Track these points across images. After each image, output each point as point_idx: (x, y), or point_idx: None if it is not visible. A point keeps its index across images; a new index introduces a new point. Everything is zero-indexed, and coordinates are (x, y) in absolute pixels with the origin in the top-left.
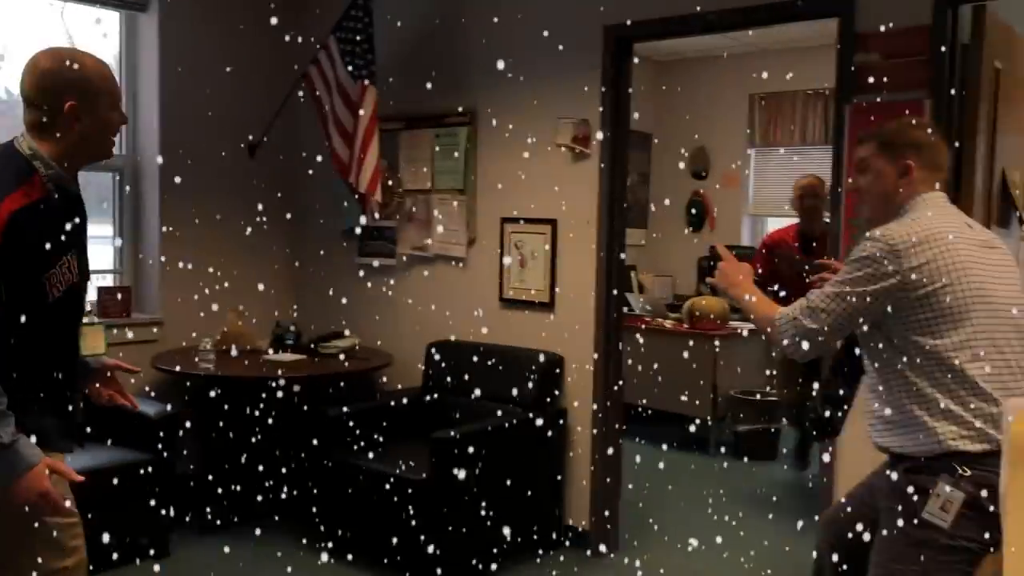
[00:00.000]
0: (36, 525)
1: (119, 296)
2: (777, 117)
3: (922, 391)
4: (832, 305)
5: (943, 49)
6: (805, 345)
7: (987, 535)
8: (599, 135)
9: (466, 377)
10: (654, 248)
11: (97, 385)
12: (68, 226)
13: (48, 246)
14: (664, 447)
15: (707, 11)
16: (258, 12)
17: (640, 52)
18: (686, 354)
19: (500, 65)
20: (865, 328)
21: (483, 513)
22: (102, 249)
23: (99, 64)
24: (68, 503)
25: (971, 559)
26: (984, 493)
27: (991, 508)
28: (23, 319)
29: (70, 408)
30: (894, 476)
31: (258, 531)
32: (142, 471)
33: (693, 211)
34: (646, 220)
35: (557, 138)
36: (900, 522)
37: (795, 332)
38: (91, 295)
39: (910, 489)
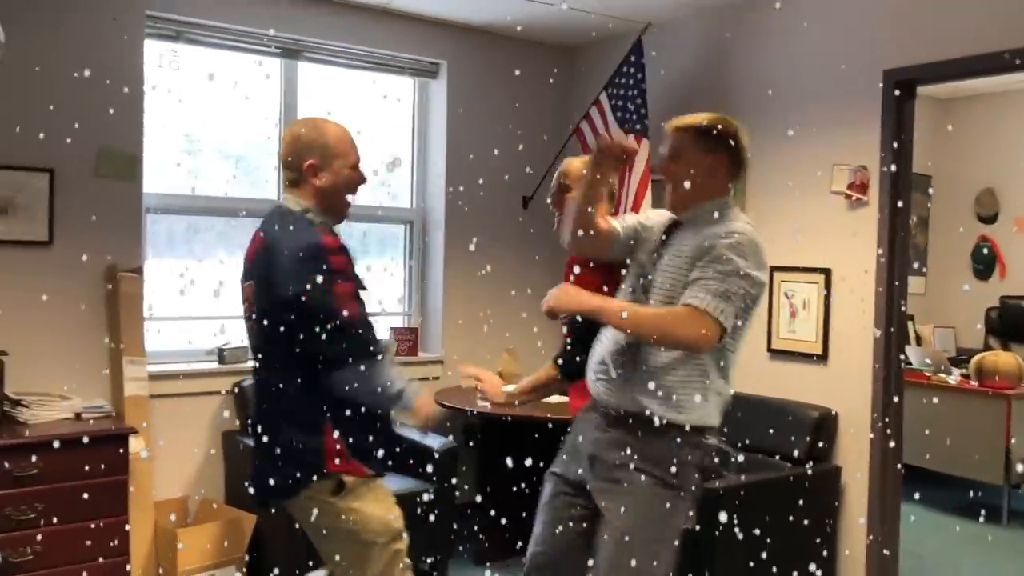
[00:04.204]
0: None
1: (408, 336)
2: None
3: (707, 370)
4: (738, 300)
5: None
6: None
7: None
8: (878, 183)
9: (733, 428)
10: (934, 297)
11: None
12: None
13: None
14: (947, 513)
15: (1004, 50)
16: (535, 75)
17: (918, 90)
18: (974, 414)
19: (773, 114)
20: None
21: (751, 568)
22: (394, 292)
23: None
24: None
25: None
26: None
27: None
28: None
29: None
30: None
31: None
32: (426, 499)
33: (979, 257)
34: (925, 267)
35: (832, 185)
36: (653, 488)
37: (731, 318)
38: (383, 334)
39: (676, 456)
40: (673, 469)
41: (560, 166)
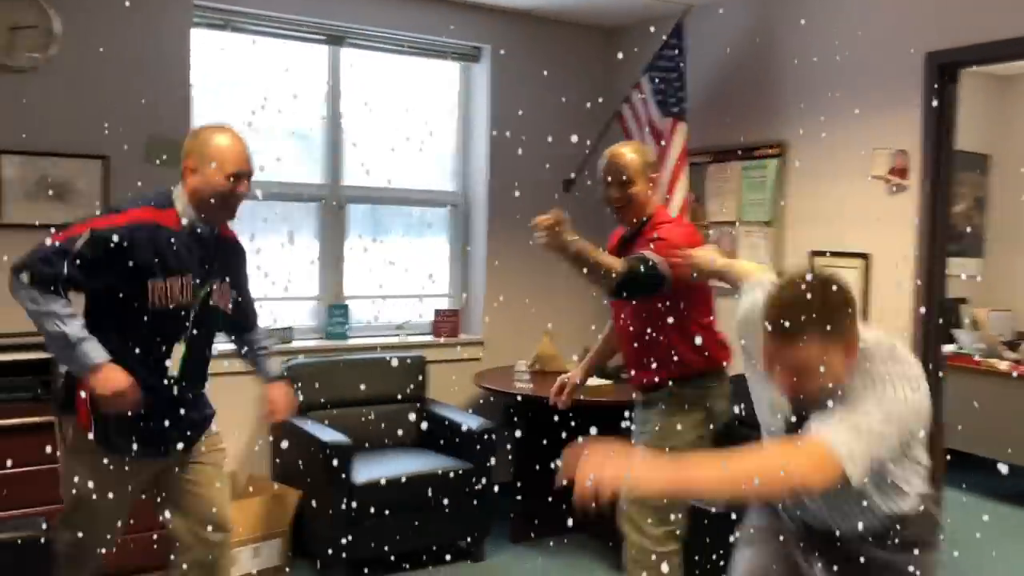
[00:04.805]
0: None
1: (450, 318)
2: None
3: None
4: (888, 429)
5: None
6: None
7: None
8: (919, 167)
9: None
10: (992, 279)
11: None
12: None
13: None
14: (992, 499)
15: None
16: (577, 58)
17: (975, 67)
18: (1022, 398)
19: (813, 98)
20: None
21: None
22: (440, 275)
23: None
24: None
25: None
26: None
27: None
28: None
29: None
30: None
31: (565, 544)
32: (463, 478)
33: None
34: (981, 249)
35: (872, 169)
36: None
37: (867, 460)
38: (427, 316)
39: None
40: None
41: (609, 158)
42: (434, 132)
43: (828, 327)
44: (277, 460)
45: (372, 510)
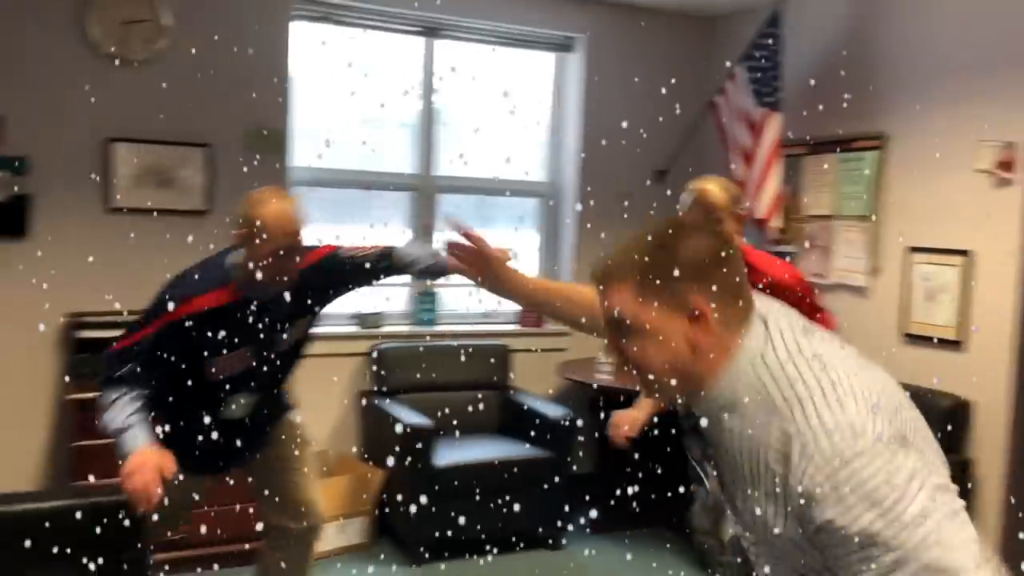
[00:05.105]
0: None
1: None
2: None
3: None
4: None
5: None
6: None
7: None
8: None
9: None
10: None
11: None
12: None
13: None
14: None
15: None
16: (672, 47)
17: None
18: None
19: (914, 87)
20: None
21: None
22: (529, 265)
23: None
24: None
25: None
26: None
27: None
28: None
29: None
30: None
31: (644, 537)
32: (543, 466)
33: None
34: None
35: (976, 163)
36: None
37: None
38: (514, 305)
39: None
40: None
41: (696, 197)
42: (526, 123)
43: (651, 275)
44: (363, 440)
45: (453, 493)
